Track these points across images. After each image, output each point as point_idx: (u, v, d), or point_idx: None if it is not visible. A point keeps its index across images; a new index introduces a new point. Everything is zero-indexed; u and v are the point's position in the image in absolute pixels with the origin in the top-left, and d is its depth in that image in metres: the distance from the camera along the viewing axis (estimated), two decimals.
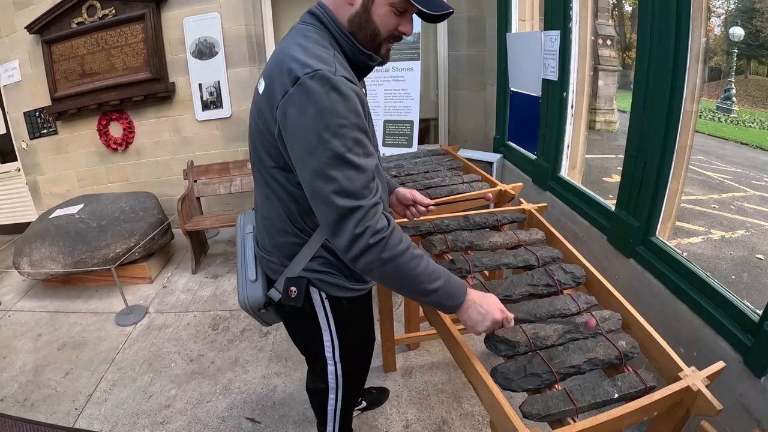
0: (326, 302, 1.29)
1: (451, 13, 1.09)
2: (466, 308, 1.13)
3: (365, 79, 1.30)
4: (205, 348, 2.75)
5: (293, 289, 1.23)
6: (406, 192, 1.56)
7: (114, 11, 3.85)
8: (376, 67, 1.22)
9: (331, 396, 1.49)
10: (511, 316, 1.16)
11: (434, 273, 1.09)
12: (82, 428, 2.20)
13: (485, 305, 1.14)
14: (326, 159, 0.97)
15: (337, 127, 0.97)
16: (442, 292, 1.10)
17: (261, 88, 1.10)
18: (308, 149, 0.98)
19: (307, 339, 1.43)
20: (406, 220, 1.63)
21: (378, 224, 1.01)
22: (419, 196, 1.56)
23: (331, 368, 1.42)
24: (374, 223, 1.00)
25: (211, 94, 4.09)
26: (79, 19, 3.90)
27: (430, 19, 1.11)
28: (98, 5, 3.84)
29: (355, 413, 2.10)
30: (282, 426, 2.14)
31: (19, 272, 3.37)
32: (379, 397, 2.22)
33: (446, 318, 1.40)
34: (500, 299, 1.39)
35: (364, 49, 1.11)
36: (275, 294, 1.28)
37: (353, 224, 0.99)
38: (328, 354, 1.39)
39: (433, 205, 1.57)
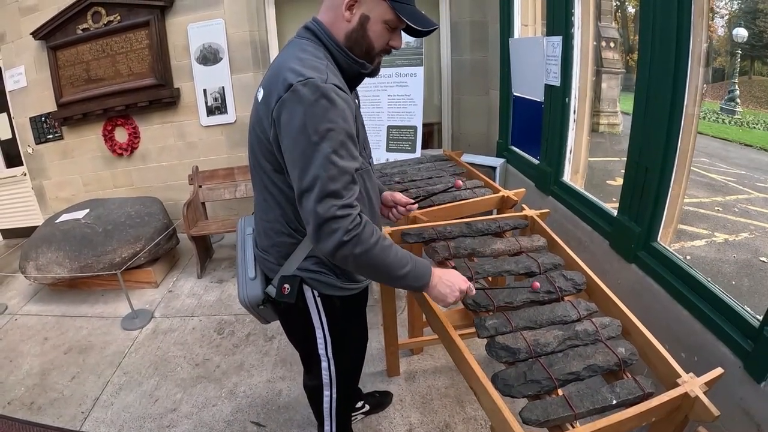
0: (318, 300, 1.36)
1: (436, 29, 1.19)
2: (434, 285, 1.25)
3: (359, 89, 1.38)
4: (211, 352, 2.77)
5: (286, 286, 1.30)
6: (387, 194, 1.64)
7: (119, 17, 3.89)
8: (378, 73, 1.30)
9: (326, 393, 1.54)
10: (473, 285, 1.30)
11: (402, 260, 1.19)
12: None
13: (450, 279, 1.27)
14: (313, 159, 1.05)
15: (325, 130, 1.05)
16: (411, 276, 1.21)
17: (260, 96, 1.18)
18: (298, 150, 1.07)
19: (301, 336, 1.50)
20: (408, 225, 1.66)
21: (351, 223, 1.08)
22: (399, 197, 1.64)
23: (324, 365, 1.48)
24: (348, 222, 1.07)
25: (215, 99, 4.11)
26: (84, 26, 3.93)
27: (417, 34, 1.20)
28: (103, 12, 3.87)
29: (358, 417, 2.13)
30: (287, 430, 2.16)
31: (25, 276, 3.40)
32: (382, 400, 2.24)
33: (448, 324, 1.42)
34: (501, 306, 1.42)
35: (357, 59, 1.20)
36: (272, 290, 1.35)
37: (330, 221, 1.06)
38: (321, 351, 1.45)
39: (413, 203, 1.62)
